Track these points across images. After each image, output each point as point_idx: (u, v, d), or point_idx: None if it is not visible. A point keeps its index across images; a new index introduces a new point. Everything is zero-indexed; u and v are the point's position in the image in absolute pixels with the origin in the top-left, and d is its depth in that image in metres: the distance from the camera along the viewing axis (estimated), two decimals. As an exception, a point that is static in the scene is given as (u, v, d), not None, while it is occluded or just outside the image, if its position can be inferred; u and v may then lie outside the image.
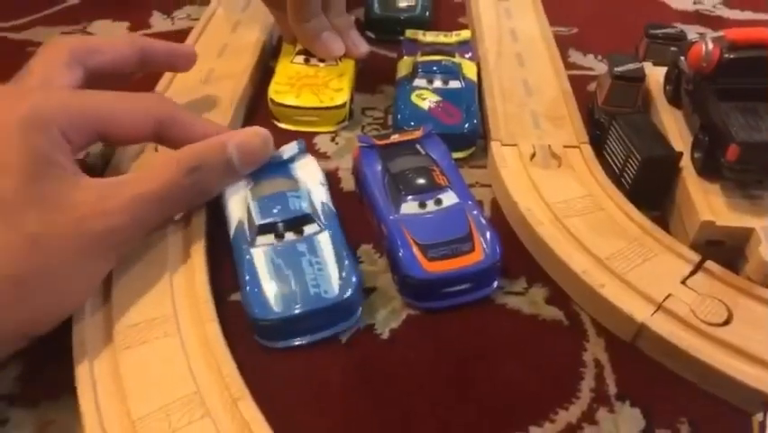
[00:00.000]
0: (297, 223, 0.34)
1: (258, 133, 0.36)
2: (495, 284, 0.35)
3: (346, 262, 0.33)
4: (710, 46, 0.36)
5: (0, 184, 0.27)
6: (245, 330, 0.32)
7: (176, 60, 0.43)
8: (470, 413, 0.30)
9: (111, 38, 0.40)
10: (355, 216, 0.38)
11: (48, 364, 0.31)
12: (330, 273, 0.33)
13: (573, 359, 0.32)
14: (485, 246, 0.34)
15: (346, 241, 0.35)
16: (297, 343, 0.32)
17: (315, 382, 0.31)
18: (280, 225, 0.34)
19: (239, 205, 0.36)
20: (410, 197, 0.36)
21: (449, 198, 0.36)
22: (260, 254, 0.33)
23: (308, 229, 0.34)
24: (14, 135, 0.28)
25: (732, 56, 0.36)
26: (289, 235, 0.34)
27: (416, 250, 0.34)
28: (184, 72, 0.44)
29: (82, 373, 0.28)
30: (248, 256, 0.33)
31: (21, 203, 0.27)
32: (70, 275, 0.29)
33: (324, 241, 0.34)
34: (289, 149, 0.39)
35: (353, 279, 0.33)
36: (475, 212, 0.36)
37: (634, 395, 0.31)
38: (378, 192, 0.37)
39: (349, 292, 0.32)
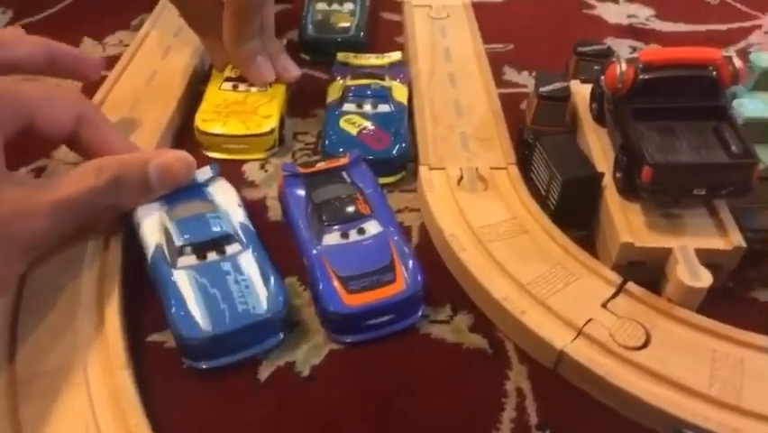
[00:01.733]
0: (219, 243, 0.34)
1: (181, 158, 0.36)
2: (420, 313, 0.35)
3: (272, 279, 0.33)
4: (624, 67, 0.37)
5: None
6: (162, 372, 0.32)
7: (83, 68, 0.42)
8: (390, 451, 0.29)
9: (16, 33, 0.38)
10: (281, 247, 0.38)
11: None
12: (257, 290, 0.32)
13: (496, 389, 0.32)
14: (406, 276, 0.34)
15: (269, 259, 0.35)
16: (224, 362, 0.32)
17: (233, 423, 0.30)
18: (202, 245, 0.34)
19: (155, 228, 0.35)
20: (334, 227, 0.35)
21: (372, 227, 0.36)
22: (182, 275, 0.33)
23: (231, 249, 0.34)
24: None
25: (647, 77, 0.37)
26: (212, 255, 0.34)
27: (336, 283, 0.33)
28: (90, 81, 0.44)
29: (-20, 429, 0.27)
30: (172, 278, 0.33)
31: None
32: None
33: (248, 260, 0.34)
34: (203, 172, 0.38)
35: (281, 295, 0.33)
36: (397, 239, 0.35)
37: (554, 424, 0.30)
38: (301, 222, 0.37)
39: (278, 308, 0.32)
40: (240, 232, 0.35)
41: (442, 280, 0.37)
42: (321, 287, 0.33)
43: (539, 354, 0.33)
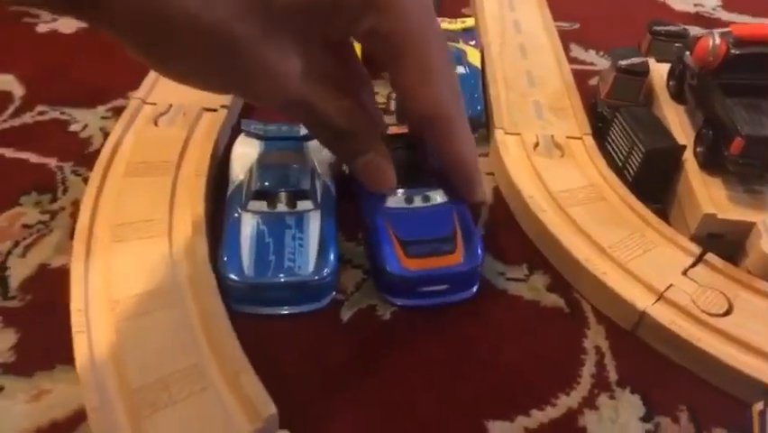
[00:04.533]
0: (292, 196, 0.34)
1: (389, 174, 0.33)
2: (474, 289, 0.34)
3: (329, 247, 0.33)
4: (717, 41, 0.37)
5: None
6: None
7: None
8: (472, 395, 0.30)
9: None
10: (347, 202, 0.38)
11: (43, 334, 0.30)
12: (309, 252, 0.33)
13: (574, 345, 0.32)
14: (467, 250, 0.33)
15: (337, 227, 0.35)
16: (261, 312, 0.32)
17: (317, 359, 0.31)
18: (275, 194, 0.34)
19: (244, 167, 0.36)
20: (398, 191, 0.35)
21: (437, 196, 0.35)
22: (248, 218, 0.34)
23: (302, 205, 0.34)
24: None
25: (738, 52, 0.37)
26: (281, 207, 0.34)
27: (396, 245, 0.33)
28: None
29: (80, 342, 0.28)
30: (236, 215, 0.34)
31: None
32: None
33: (314, 220, 0.34)
34: None
35: (330, 263, 0.32)
36: (462, 213, 0.35)
37: (634, 382, 0.31)
38: None
39: (322, 274, 0.32)
40: (318, 191, 0.35)
41: (517, 241, 0.38)
42: (381, 247, 0.33)
43: (618, 316, 0.33)
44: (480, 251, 0.33)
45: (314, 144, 0.38)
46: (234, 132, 0.42)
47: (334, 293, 0.33)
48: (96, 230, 0.33)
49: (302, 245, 0.33)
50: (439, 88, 0.29)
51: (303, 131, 0.38)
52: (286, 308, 0.32)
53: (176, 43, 0.22)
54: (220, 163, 0.40)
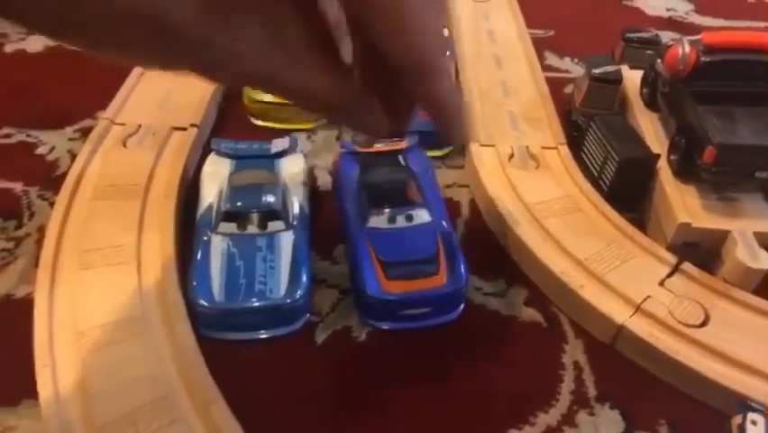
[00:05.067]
0: (263, 217, 0.34)
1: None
2: (459, 310, 0.33)
3: (301, 268, 0.32)
4: (687, 49, 0.37)
5: None
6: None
7: None
8: (450, 416, 0.29)
9: None
10: (330, 215, 0.38)
11: (8, 368, 0.29)
12: (281, 274, 0.32)
13: (552, 361, 0.32)
14: (450, 271, 0.32)
15: (310, 248, 0.34)
16: (232, 337, 0.31)
17: (291, 384, 0.30)
18: (246, 215, 0.33)
19: (214, 189, 0.35)
20: (381, 209, 0.34)
21: (421, 216, 0.35)
22: (217, 241, 0.33)
23: (273, 226, 0.34)
24: None
25: (708, 59, 0.37)
26: (252, 228, 0.33)
27: (377, 267, 0.32)
28: None
29: (44, 377, 0.27)
30: (205, 238, 0.33)
31: None
32: None
33: (286, 241, 0.33)
34: (280, 143, 0.38)
35: (303, 285, 0.31)
36: (446, 232, 0.34)
37: (613, 397, 0.30)
38: (349, 201, 0.36)
39: (294, 297, 0.31)
40: (290, 211, 0.35)
41: (494, 255, 0.37)
42: (361, 269, 0.32)
43: (596, 329, 0.33)
44: (463, 272, 0.33)
45: (288, 159, 0.38)
46: (206, 151, 0.41)
47: (309, 315, 0.33)
48: (62, 257, 0.32)
49: (273, 267, 0.32)
50: (419, 41, 0.25)
51: (274, 149, 0.38)
52: (258, 332, 0.32)
53: (104, 35, 0.20)
54: (191, 184, 0.39)
